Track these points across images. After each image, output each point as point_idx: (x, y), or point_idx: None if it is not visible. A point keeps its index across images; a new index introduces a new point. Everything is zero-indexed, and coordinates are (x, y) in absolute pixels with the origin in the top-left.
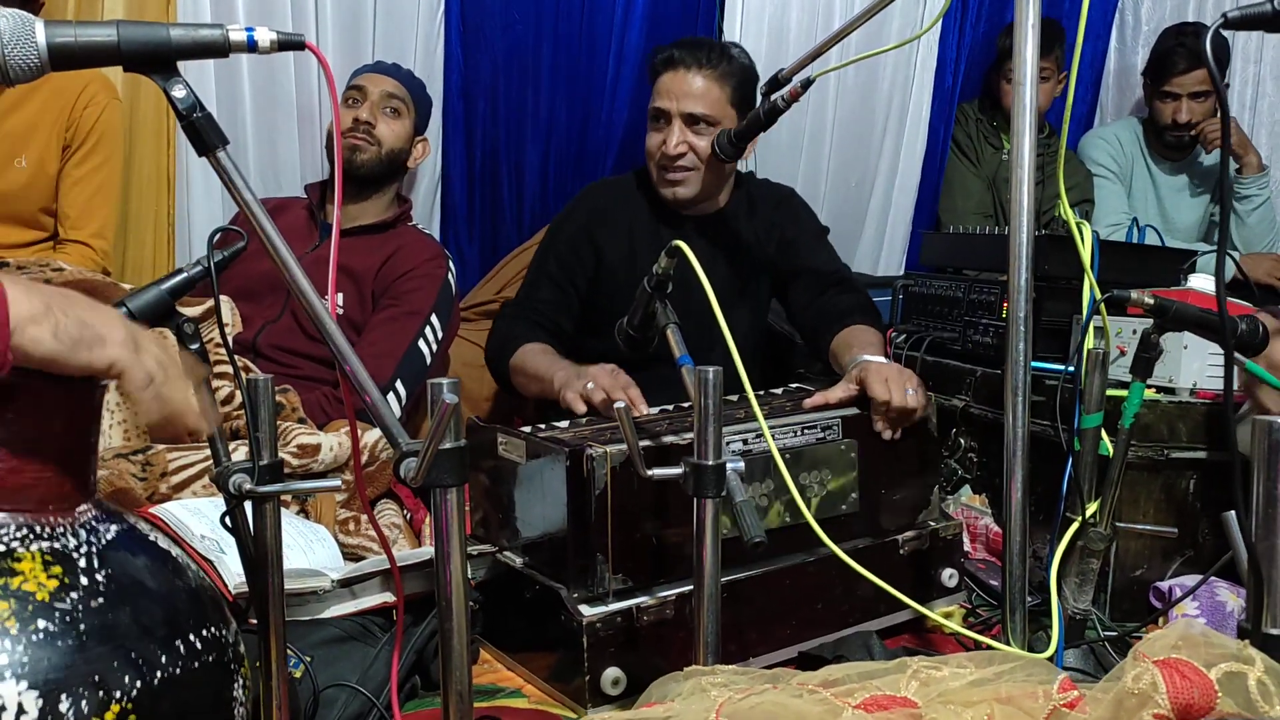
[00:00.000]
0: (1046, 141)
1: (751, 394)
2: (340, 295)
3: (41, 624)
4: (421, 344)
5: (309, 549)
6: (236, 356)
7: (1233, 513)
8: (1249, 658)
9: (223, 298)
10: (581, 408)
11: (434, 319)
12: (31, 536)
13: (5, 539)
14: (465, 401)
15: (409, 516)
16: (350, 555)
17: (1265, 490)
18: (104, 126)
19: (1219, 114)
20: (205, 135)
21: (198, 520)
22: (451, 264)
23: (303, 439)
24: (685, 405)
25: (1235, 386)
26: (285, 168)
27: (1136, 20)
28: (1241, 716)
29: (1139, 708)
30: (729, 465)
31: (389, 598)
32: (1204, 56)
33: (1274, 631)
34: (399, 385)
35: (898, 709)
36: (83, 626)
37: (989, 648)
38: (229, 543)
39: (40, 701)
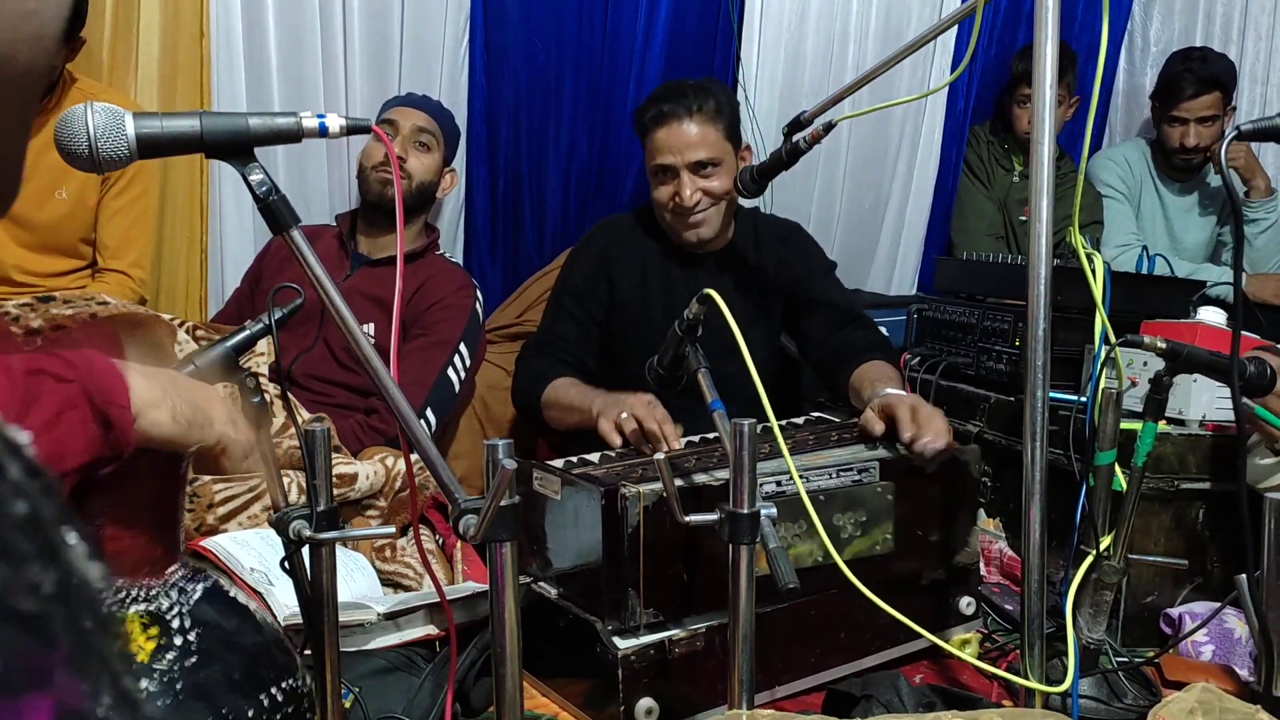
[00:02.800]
0: (1056, 164)
1: (784, 447)
2: (372, 325)
3: (143, 684)
4: (450, 373)
5: (349, 578)
6: (274, 385)
7: (1244, 576)
8: None
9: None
10: (616, 440)
11: (462, 348)
12: (129, 599)
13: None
14: (489, 423)
15: (441, 541)
16: (387, 581)
17: (1275, 563)
18: None
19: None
20: (280, 216)
21: (246, 553)
22: (479, 293)
23: (340, 468)
24: (711, 436)
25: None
26: (315, 196)
27: (1145, 41)
28: None
29: None
30: (763, 512)
31: (432, 630)
32: (1221, 166)
33: None
34: (429, 413)
35: None
36: (179, 685)
37: (1004, 680)
38: (277, 574)
39: None
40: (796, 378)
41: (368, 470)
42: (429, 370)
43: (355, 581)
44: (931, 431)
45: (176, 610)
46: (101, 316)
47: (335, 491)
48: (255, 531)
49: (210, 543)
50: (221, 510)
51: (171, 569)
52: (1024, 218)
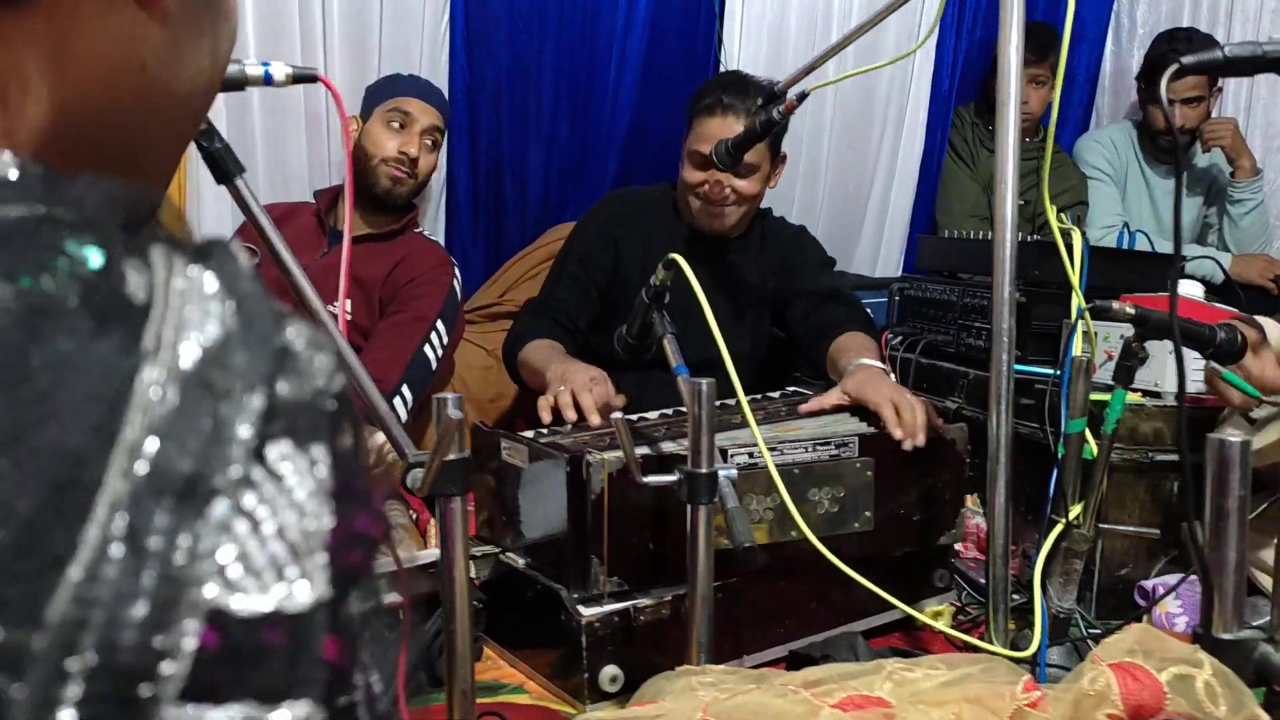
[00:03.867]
0: (1040, 145)
1: (750, 417)
2: (349, 302)
3: None
4: (427, 349)
5: None
6: None
7: (1193, 521)
8: (1198, 661)
9: None
10: (547, 417)
11: (439, 325)
12: None
13: None
14: (470, 403)
15: (415, 517)
16: None
17: (1216, 504)
18: None
19: (1211, 115)
20: (224, 164)
21: None
22: (457, 271)
23: None
24: (685, 410)
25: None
26: (294, 173)
27: (1132, 23)
28: (1188, 716)
29: (1094, 708)
30: (721, 473)
31: (396, 598)
32: (1162, 104)
33: (1224, 636)
34: (405, 390)
35: (872, 708)
36: None
37: (974, 647)
38: None
39: None
40: (788, 363)
41: None
42: (405, 347)
43: None
44: (919, 429)
45: None
46: None
47: None
48: None
49: None
50: None
51: None
52: None
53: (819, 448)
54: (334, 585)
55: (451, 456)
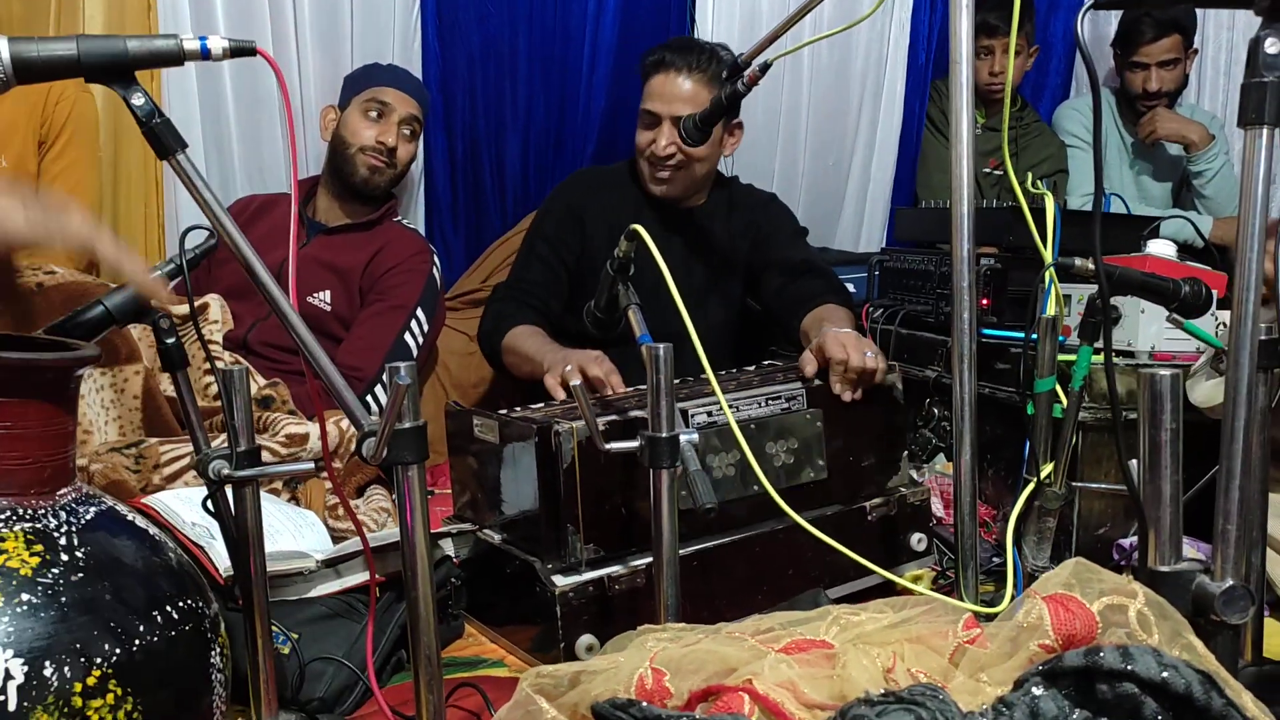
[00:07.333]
0: (1019, 115)
1: (708, 366)
2: (328, 292)
3: (25, 597)
4: (408, 337)
5: (298, 533)
6: (229, 352)
7: (1134, 460)
8: (1131, 591)
9: (214, 296)
10: (560, 393)
11: (419, 313)
12: (14, 518)
13: None
14: (454, 389)
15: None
16: (340, 539)
17: (1150, 438)
18: (76, 120)
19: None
20: (164, 140)
21: (188, 508)
22: (436, 259)
23: (291, 429)
24: None
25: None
26: (270, 165)
27: None
28: (1116, 644)
29: (1028, 639)
30: (683, 437)
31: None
32: (1078, 38)
33: (1161, 568)
34: (385, 378)
35: (815, 650)
36: (64, 599)
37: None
38: (219, 529)
39: (26, 668)
40: (766, 334)
41: (319, 431)
42: (385, 334)
43: (305, 537)
44: (856, 354)
45: (65, 529)
46: (48, 286)
47: (287, 452)
48: (199, 489)
49: (152, 499)
50: (167, 470)
51: (62, 491)
52: (988, 169)
53: (770, 402)
54: None
55: (406, 425)
